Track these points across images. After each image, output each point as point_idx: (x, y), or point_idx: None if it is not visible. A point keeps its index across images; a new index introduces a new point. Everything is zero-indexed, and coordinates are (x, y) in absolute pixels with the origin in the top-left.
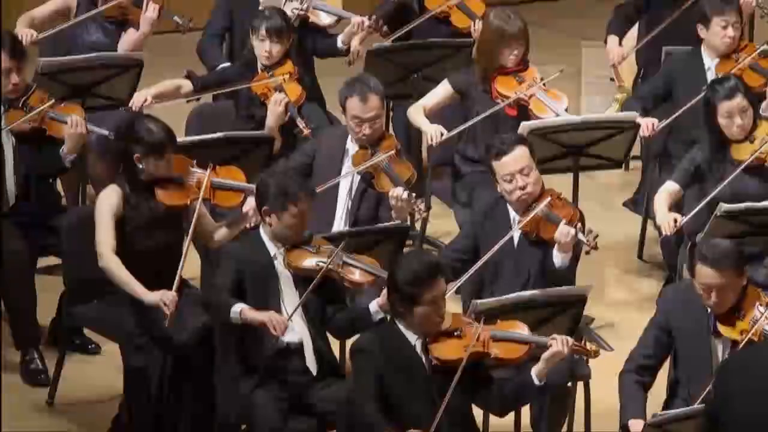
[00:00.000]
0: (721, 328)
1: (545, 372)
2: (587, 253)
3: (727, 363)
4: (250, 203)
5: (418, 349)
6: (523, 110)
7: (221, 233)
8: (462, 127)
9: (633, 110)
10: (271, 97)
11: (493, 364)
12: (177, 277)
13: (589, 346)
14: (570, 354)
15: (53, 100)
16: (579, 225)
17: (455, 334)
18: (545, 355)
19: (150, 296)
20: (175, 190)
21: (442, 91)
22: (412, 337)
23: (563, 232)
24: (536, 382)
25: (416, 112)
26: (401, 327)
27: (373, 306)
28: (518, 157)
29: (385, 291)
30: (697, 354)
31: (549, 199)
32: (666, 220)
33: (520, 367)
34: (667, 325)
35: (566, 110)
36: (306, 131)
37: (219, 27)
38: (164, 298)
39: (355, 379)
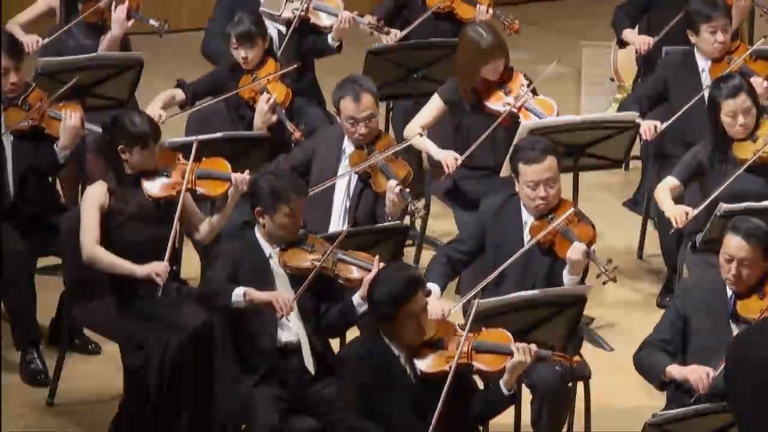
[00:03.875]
0: (739, 306)
1: (512, 382)
2: (604, 283)
3: (744, 333)
4: (236, 176)
5: (403, 360)
6: (515, 120)
7: (206, 226)
8: (472, 148)
9: (631, 111)
10: (259, 99)
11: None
12: (168, 248)
13: (575, 357)
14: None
15: (51, 98)
16: (594, 249)
17: (438, 345)
18: (508, 365)
19: (142, 269)
20: (161, 182)
21: (434, 106)
22: (396, 350)
23: (576, 250)
24: (505, 392)
25: (415, 129)
26: (386, 339)
27: (356, 299)
28: (547, 167)
29: (367, 280)
30: (715, 341)
31: (569, 213)
32: (676, 212)
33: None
34: (684, 310)
35: (557, 114)
36: (297, 134)
37: (224, 26)
38: (155, 269)
39: (340, 388)
